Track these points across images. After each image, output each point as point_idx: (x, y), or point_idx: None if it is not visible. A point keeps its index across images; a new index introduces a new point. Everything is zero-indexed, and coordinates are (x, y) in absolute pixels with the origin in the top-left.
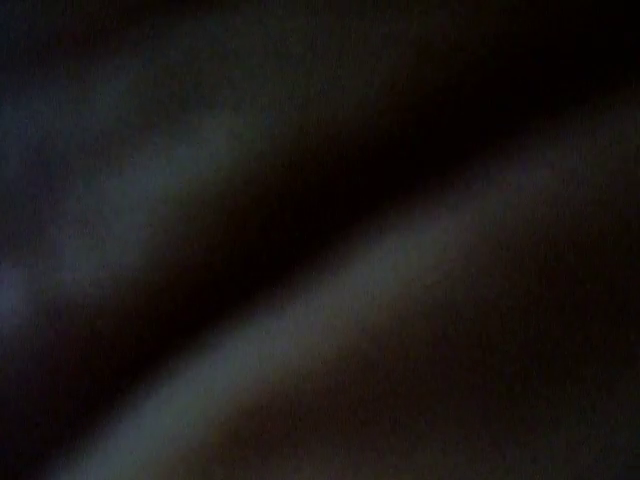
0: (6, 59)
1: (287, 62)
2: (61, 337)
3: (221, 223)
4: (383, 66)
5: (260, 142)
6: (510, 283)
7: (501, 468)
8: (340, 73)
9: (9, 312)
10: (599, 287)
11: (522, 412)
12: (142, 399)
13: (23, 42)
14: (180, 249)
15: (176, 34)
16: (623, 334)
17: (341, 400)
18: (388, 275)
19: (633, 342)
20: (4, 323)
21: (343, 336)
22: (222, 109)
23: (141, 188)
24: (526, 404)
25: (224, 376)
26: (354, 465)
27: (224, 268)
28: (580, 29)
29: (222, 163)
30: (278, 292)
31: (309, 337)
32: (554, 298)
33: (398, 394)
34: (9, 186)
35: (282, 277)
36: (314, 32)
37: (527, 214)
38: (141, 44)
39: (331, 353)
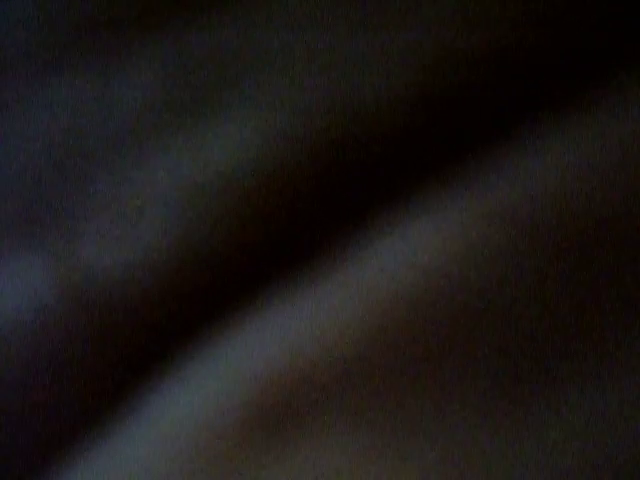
0: (32, 54)
1: (311, 58)
2: (86, 321)
3: (245, 211)
4: (400, 65)
5: (284, 135)
6: (523, 265)
7: (519, 442)
8: (360, 71)
9: (35, 297)
10: (607, 267)
11: (537, 388)
12: (166, 382)
13: (48, 38)
14: (204, 235)
15: (202, 29)
16: (631, 318)
17: (361, 382)
18: (407, 257)
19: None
20: (29, 307)
21: (361, 318)
22: (247, 101)
23: (167, 177)
24: (540, 381)
25: (244, 359)
26: (375, 443)
27: (247, 253)
28: (580, 29)
29: (247, 154)
30: (300, 275)
31: (329, 320)
32: (565, 279)
33: (415, 375)
34: (35, 175)
35: (304, 262)
36: (337, 31)
37: (539, 199)
38: (166, 38)
39: (349, 335)
